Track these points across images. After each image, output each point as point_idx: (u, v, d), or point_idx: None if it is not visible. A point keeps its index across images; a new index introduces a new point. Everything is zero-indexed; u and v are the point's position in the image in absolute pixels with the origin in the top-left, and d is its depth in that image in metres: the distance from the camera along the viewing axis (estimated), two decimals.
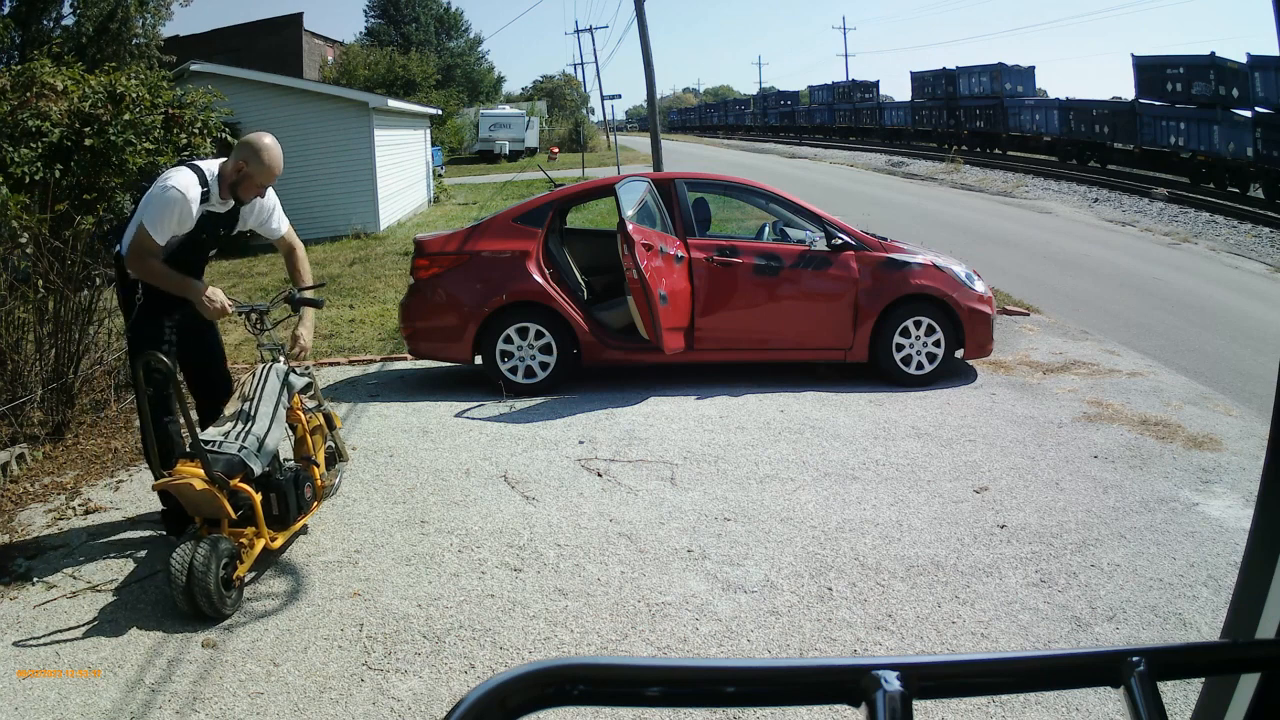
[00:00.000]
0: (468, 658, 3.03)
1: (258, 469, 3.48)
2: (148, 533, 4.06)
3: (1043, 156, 25.59)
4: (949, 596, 3.36)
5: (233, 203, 3.83)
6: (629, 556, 3.71)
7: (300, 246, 4.18)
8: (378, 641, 3.13)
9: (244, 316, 3.91)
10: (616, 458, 4.81)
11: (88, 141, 9.37)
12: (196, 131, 10.95)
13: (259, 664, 3.01)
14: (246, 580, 3.46)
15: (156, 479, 3.41)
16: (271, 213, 4.07)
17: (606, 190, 6.15)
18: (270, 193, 3.99)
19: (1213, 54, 18.91)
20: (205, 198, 3.70)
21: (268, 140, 3.76)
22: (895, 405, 5.63)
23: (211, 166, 3.78)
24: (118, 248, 3.86)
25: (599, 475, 4.58)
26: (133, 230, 3.67)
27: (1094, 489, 4.33)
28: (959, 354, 6.24)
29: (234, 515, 3.39)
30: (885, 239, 6.46)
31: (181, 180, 3.63)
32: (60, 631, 3.24)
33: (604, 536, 3.90)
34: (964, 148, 27.83)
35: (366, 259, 12.12)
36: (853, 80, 42.02)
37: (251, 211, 3.97)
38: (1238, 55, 21.46)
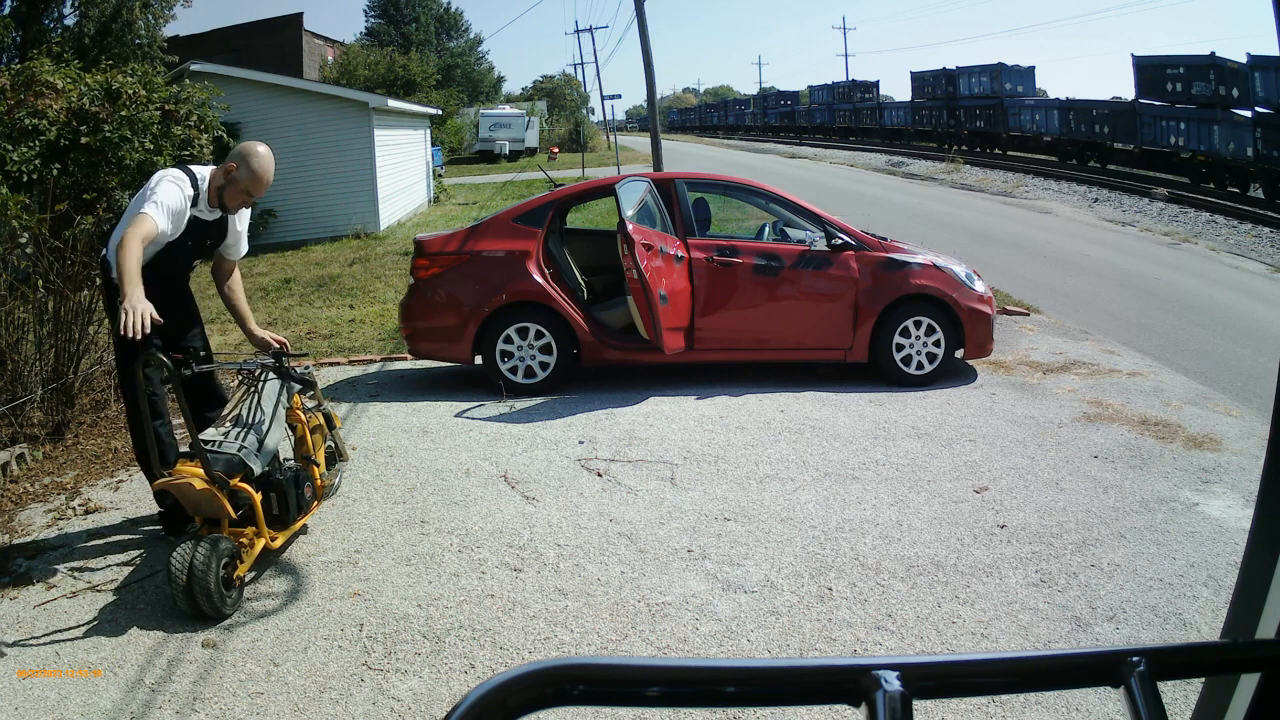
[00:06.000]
0: (468, 658, 3.04)
1: (257, 468, 3.48)
2: (148, 533, 4.06)
3: (1043, 156, 25.59)
4: (949, 596, 3.36)
5: (220, 212, 3.77)
6: (629, 556, 3.71)
7: (239, 276, 4.14)
8: (378, 641, 3.13)
9: (234, 372, 3.85)
10: (616, 458, 4.81)
11: (84, 140, 9.36)
12: (193, 125, 10.89)
13: (259, 664, 3.01)
14: (246, 580, 3.46)
15: (152, 480, 3.40)
16: (242, 234, 4.02)
17: (606, 190, 6.15)
18: (245, 213, 3.94)
19: (1213, 54, 18.91)
20: (195, 201, 3.66)
21: (261, 149, 3.71)
22: (895, 405, 5.63)
23: (202, 171, 3.74)
24: (104, 252, 3.78)
25: (599, 475, 4.58)
26: (129, 217, 3.59)
27: (1094, 489, 4.33)
28: (959, 354, 6.24)
29: (234, 515, 3.39)
30: (885, 239, 6.46)
31: (175, 174, 3.63)
32: (60, 631, 3.24)
33: (604, 536, 3.90)
34: (964, 148, 27.85)
35: (366, 259, 12.12)
36: (853, 80, 42.02)
37: (239, 223, 3.93)
38: (1238, 55, 21.49)
